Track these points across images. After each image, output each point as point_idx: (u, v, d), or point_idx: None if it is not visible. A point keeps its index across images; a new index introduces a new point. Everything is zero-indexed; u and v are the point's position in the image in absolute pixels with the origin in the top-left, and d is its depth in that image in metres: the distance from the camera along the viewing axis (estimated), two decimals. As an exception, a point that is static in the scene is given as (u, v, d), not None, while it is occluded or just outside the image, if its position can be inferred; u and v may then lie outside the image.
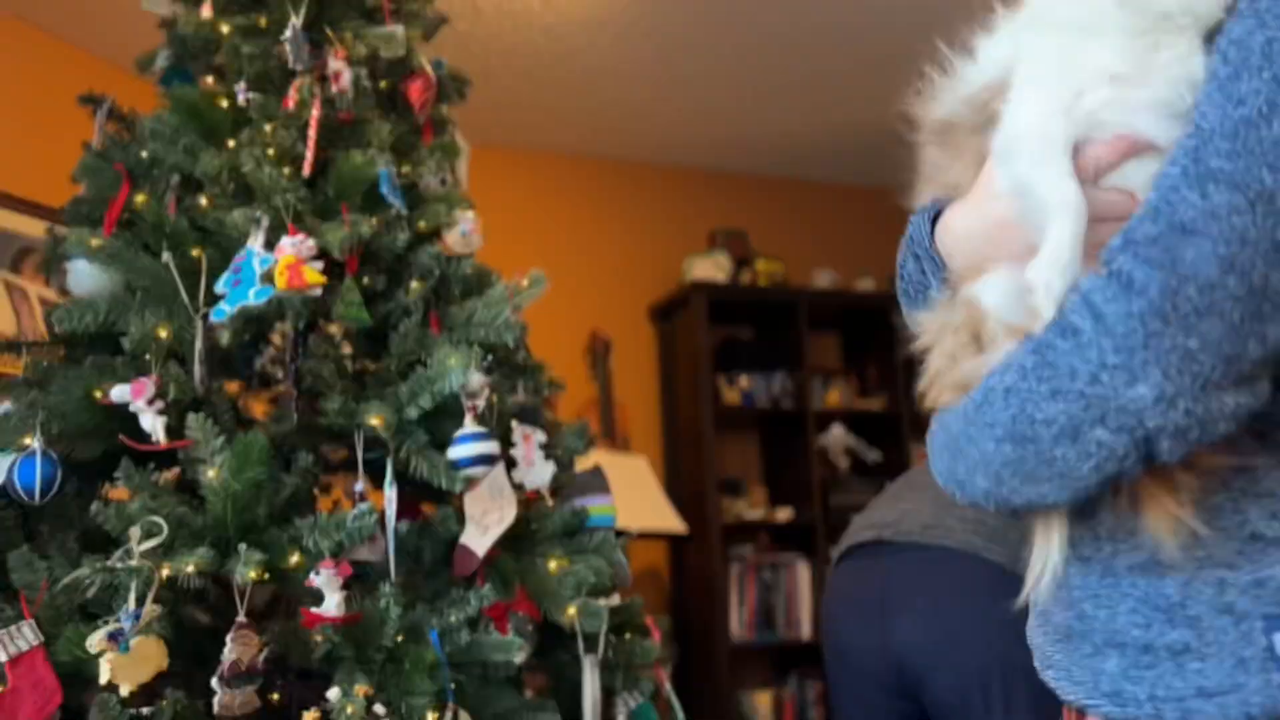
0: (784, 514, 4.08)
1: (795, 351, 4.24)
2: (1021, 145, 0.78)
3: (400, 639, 1.43)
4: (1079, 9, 0.77)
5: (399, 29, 1.90)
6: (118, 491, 1.55)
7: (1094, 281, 0.69)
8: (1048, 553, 0.83)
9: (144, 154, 1.78)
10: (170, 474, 1.60)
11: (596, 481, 1.77)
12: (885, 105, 4.12)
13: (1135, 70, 0.73)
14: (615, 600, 1.70)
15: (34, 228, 2.94)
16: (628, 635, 1.72)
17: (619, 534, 1.76)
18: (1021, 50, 0.80)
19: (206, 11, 1.86)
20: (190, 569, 1.35)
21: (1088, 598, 0.82)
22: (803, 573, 4.05)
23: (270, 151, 1.70)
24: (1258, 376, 0.69)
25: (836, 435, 4.27)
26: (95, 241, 1.63)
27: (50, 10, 3.10)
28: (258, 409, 1.87)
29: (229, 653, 1.35)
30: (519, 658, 1.48)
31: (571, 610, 1.58)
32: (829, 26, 3.53)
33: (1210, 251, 0.65)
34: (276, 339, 1.82)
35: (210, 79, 1.89)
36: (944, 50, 0.86)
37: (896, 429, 4.28)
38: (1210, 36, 0.73)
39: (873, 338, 4.51)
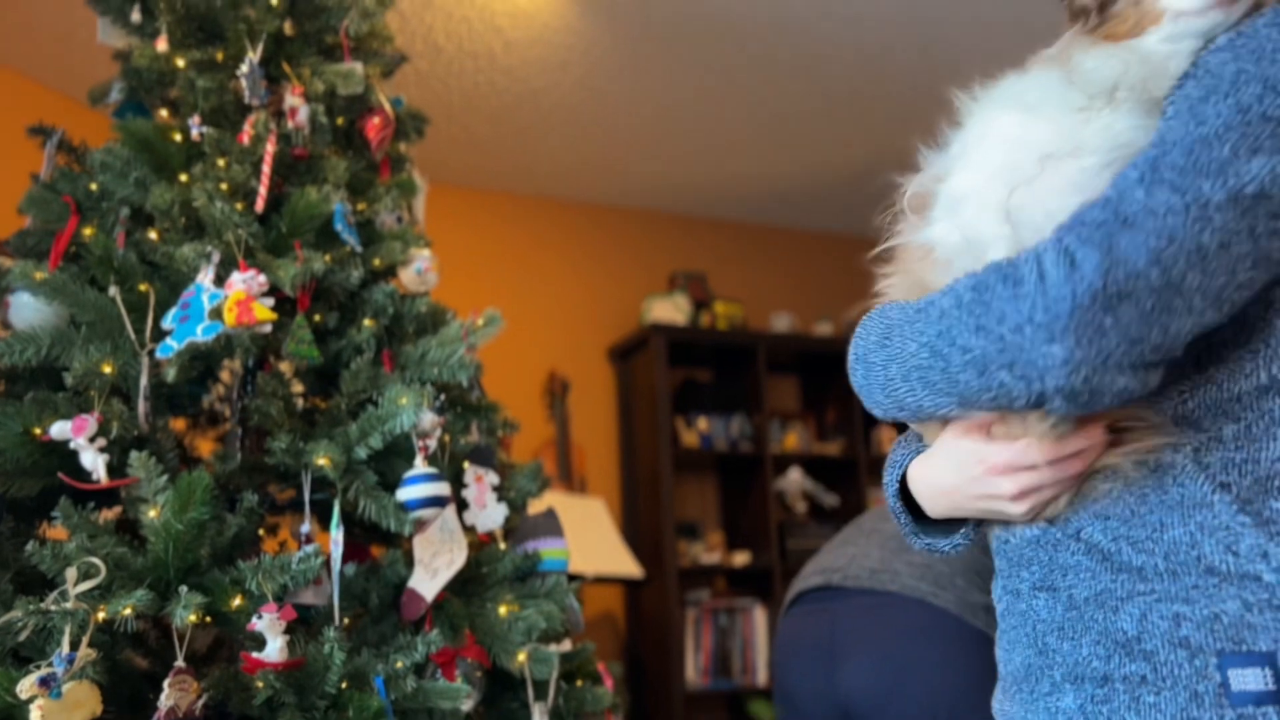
0: (741, 558, 4.07)
1: (754, 394, 4.24)
2: (969, 199, 0.86)
3: (344, 685, 1.40)
4: (1033, 88, 0.87)
5: (357, 66, 1.90)
6: (55, 531, 1.50)
7: (1047, 244, 0.76)
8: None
9: (93, 186, 1.76)
10: (110, 513, 1.56)
11: (549, 524, 1.75)
12: (845, 152, 4.18)
13: (1065, 143, 0.83)
14: (567, 646, 1.67)
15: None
16: (579, 682, 1.69)
17: (572, 578, 1.74)
18: (985, 125, 0.89)
19: (162, 45, 1.85)
20: (127, 611, 1.31)
21: (1052, 630, 0.84)
22: (759, 618, 4.03)
23: (223, 186, 1.68)
24: (1151, 365, 0.76)
25: (794, 479, 4.27)
26: (39, 274, 1.60)
27: (1, 41, 3.06)
28: (204, 447, 1.83)
29: (165, 698, 1.30)
30: (467, 705, 1.45)
31: (521, 656, 1.55)
32: (790, 73, 3.58)
33: (1142, 243, 0.73)
34: (225, 376, 1.79)
35: (164, 112, 1.87)
36: (922, 149, 0.95)
37: (854, 473, 4.29)
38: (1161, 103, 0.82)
39: (831, 382, 4.53)
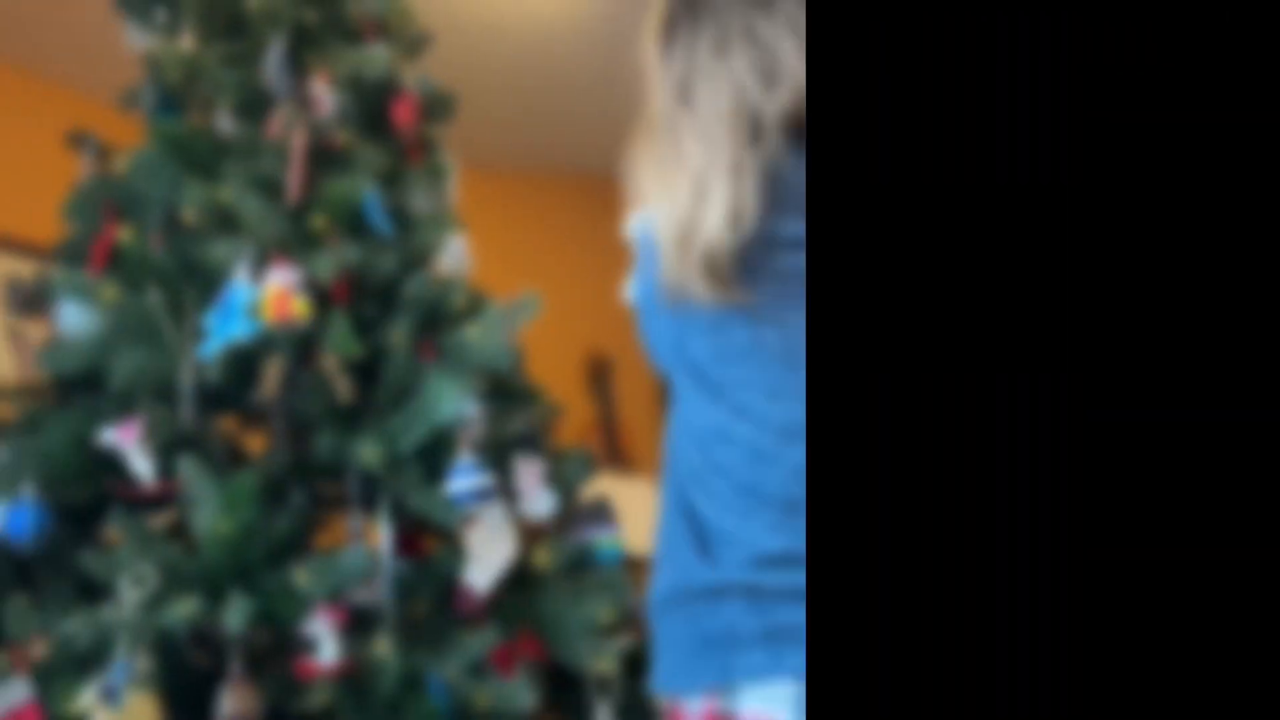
0: (798, 528, 4.02)
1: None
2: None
3: (401, 687, 1.38)
4: None
5: (382, 49, 1.86)
6: (112, 537, 1.50)
7: None
8: None
9: (129, 190, 1.74)
10: (164, 518, 1.55)
11: (601, 511, 1.71)
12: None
13: None
14: (629, 639, 1.63)
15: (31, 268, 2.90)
16: (645, 677, 1.65)
17: (628, 565, 1.71)
18: None
19: (187, 42, 1.83)
20: (181, 618, 1.30)
21: None
22: (820, 588, 3.98)
23: (254, 181, 1.66)
24: None
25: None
26: (81, 280, 1.60)
27: (30, 49, 3.07)
28: (254, 443, 1.82)
29: (225, 707, 1.30)
30: (527, 704, 1.42)
31: (581, 651, 1.51)
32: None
33: None
34: (268, 372, 1.77)
35: (193, 110, 1.85)
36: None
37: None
38: None
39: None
